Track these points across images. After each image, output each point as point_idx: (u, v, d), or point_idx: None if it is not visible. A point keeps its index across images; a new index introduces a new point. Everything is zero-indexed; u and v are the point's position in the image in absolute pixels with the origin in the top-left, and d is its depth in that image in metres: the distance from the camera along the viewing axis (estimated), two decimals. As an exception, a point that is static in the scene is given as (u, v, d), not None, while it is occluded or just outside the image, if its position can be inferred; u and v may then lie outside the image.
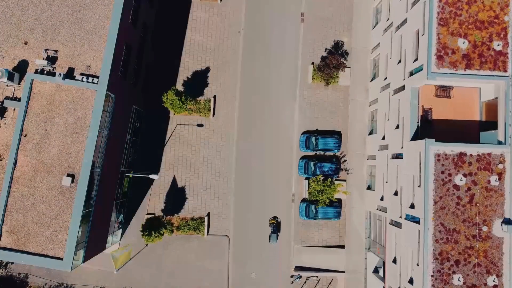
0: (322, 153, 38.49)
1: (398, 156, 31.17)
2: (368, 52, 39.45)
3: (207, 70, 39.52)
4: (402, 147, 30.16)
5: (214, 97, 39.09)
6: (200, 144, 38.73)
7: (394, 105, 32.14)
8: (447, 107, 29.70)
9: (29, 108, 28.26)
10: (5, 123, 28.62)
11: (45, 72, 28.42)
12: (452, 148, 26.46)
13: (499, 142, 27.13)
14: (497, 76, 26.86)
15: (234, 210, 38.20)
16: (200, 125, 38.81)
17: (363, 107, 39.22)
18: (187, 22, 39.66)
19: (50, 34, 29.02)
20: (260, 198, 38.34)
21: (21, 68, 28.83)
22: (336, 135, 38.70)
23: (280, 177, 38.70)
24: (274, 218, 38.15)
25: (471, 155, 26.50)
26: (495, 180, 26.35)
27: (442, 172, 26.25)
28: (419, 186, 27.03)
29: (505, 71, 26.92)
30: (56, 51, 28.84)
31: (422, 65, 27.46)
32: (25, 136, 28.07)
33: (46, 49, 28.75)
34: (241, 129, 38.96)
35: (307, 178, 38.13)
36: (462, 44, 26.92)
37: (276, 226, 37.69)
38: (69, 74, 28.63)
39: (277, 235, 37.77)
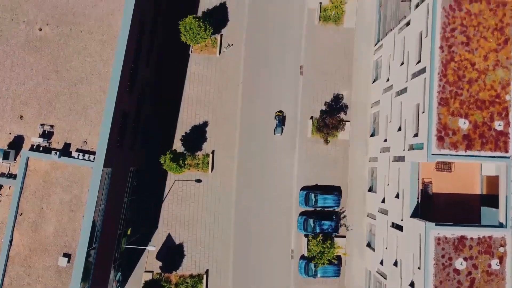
0: (321, 209, 38.19)
1: (398, 226, 30.85)
2: (368, 106, 39.12)
3: (206, 124, 39.20)
4: (402, 219, 29.84)
5: (213, 152, 38.79)
6: (198, 200, 38.42)
7: (394, 172, 31.81)
8: (448, 180, 29.39)
9: (25, 186, 27.96)
10: (0, 200, 28.35)
11: (40, 148, 28.12)
12: (452, 231, 26.15)
13: (500, 224, 26.82)
14: (498, 157, 26.54)
15: (233, 266, 37.91)
16: (199, 181, 38.49)
17: (363, 162, 38.89)
18: (185, 75, 39.36)
19: (46, 108, 28.70)
20: (260, 254, 38.03)
21: (16, 143, 28.49)
22: (336, 191, 38.36)
23: (279, 233, 38.39)
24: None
25: (471, 238, 26.19)
26: (496, 264, 26.04)
27: (443, 256, 25.95)
28: (419, 268, 26.73)
29: (506, 151, 26.59)
30: (52, 126, 28.53)
31: (423, 143, 27.12)
32: (21, 215, 27.78)
33: (42, 124, 28.42)
34: (240, 184, 38.64)
35: (306, 235, 37.82)
36: (463, 124, 26.59)
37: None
38: (65, 149, 28.33)
39: (276, 294, 37.60)
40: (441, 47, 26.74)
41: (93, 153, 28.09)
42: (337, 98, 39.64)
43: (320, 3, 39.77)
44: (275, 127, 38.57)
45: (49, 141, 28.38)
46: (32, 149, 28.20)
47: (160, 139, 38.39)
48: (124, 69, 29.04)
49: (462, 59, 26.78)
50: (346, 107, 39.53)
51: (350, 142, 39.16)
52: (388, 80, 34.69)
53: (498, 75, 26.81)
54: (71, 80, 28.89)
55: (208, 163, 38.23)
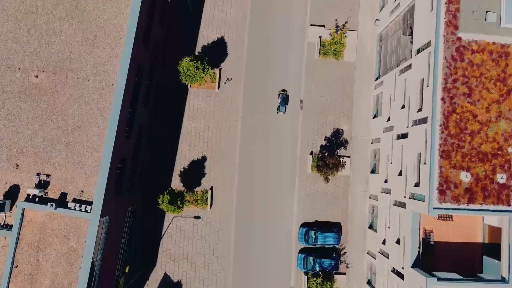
0: (322, 246, 37.81)
1: (398, 272, 30.47)
2: (368, 142, 38.73)
3: (204, 159, 38.82)
4: (403, 267, 29.46)
5: (212, 188, 38.40)
6: (197, 237, 38.05)
7: (395, 216, 31.44)
8: (449, 229, 29.02)
9: (21, 238, 27.57)
10: (-4, 252, 28.01)
11: (36, 199, 27.73)
12: (454, 287, 25.77)
13: (502, 279, 26.44)
14: (501, 211, 26.15)
15: (231, 306, 37.60)
16: (197, 217, 38.11)
17: (364, 198, 38.51)
18: (184, 111, 38.97)
19: (42, 157, 28.30)
20: (259, 292, 37.73)
21: (12, 193, 28.11)
22: (336, 228, 37.95)
23: (279, 270, 38.01)
24: (273, 314, 37.59)
25: (474, 294, 25.86)
26: (498, 320, 25.70)
27: (444, 312, 25.61)
28: (420, 321, 26.40)
29: (509, 205, 26.20)
30: (48, 175, 28.14)
31: (424, 195, 26.74)
32: (16, 267, 27.40)
33: (38, 173, 28.06)
34: (239, 221, 38.26)
35: (306, 273, 37.44)
36: (465, 177, 26.20)
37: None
38: (62, 199, 27.94)
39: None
40: (442, 99, 26.36)
41: (90, 203, 27.70)
42: (337, 133, 39.25)
43: (320, 37, 39.40)
44: (278, 106, 38.55)
45: (45, 191, 27.99)
46: (28, 199, 27.81)
47: (158, 176, 38.01)
48: (121, 117, 28.68)
49: (464, 110, 26.40)
50: (346, 142, 39.14)
51: (350, 178, 38.77)
52: (388, 119, 34.31)
53: (500, 127, 26.43)
54: (67, 128, 28.50)
55: (207, 199, 37.85)
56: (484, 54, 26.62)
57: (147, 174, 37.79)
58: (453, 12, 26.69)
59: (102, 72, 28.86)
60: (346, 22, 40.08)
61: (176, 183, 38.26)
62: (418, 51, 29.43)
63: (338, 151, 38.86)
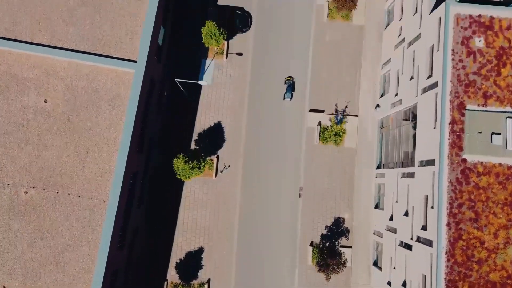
0: None
1: None
2: (370, 232, 37.59)
3: (201, 250, 37.57)
4: None
5: (209, 281, 37.09)
6: (193, 333, 36.66)
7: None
8: None
9: None
10: None
11: (24, 325, 26.55)
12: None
13: None
14: None
15: None
16: (194, 313, 36.78)
17: (366, 291, 37.27)
18: (180, 201, 37.89)
19: (31, 279, 27.11)
20: None
21: (-1, 317, 26.99)
22: (337, 324, 36.63)
23: None
24: None
25: None
26: None
27: None
28: None
29: (519, 337, 24.97)
30: (37, 298, 27.01)
31: (430, 324, 25.54)
32: None
33: (26, 296, 26.93)
34: (237, 316, 36.93)
35: None
36: (473, 310, 25.02)
37: None
38: (51, 324, 26.75)
39: None
40: (448, 224, 25.30)
41: (80, 328, 26.50)
42: (338, 222, 38.12)
43: (319, 122, 38.53)
44: (285, 92, 38.52)
45: (33, 316, 26.80)
46: (15, 325, 26.63)
47: (154, 270, 36.74)
48: (114, 232, 27.65)
49: (471, 237, 25.32)
50: (348, 231, 37.95)
51: (352, 269, 37.53)
52: (391, 219, 33.24)
53: (509, 254, 25.33)
54: (57, 247, 27.39)
55: (204, 293, 36.57)
56: (491, 177, 25.65)
57: (142, 273, 36.47)
58: (457, 133, 25.82)
59: (94, 187, 27.87)
60: (346, 106, 39.28)
61: (172, 276, 36.92)
62: (421, 163, 28.50)
63: (339, 240, 37.71)
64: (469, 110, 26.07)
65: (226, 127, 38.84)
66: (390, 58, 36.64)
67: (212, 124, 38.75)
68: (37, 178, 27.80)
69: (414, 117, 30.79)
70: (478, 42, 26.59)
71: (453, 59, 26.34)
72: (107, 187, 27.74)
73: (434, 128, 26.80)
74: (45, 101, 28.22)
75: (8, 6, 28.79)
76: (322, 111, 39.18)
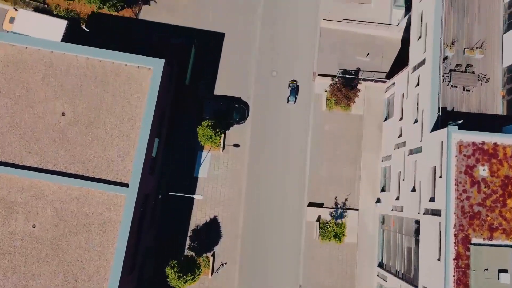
0: None
1: None
2: (373, 335, 36.24)
3: None
4: None
5: None
6: None
7: None
8: None
9: None
10: None
11: None
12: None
13: None
14: None
15: None
16: None
17: None
18: (175, 301, 36.56)
19: None
20: None
21: None
22: None
23: None
24: None
25: None
26: None
27: None
28: None
29: None
30: None
31: None
32: None
33: None
34: None
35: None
36: None
37: None
38: None
39: None
40: None
41: None
42: (339, 322, 36.76)
43: (319, 217, 37.44)
44: (289, 96, 38.65)
45: None
46: None
47: None
48: None
49: None
50: (349, 332, 36.60)
51: None
52: (394, 330, 31.91)
53: None
54: None
55: None
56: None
57: None
58: (463, 269, 24.70)
59: (84, 319, 26.65)
60: (346, 199, 38.22)
61: None
62: (425, 289, 27.32)
63: None
64: (474, 244, 25.01)
65: (223, 221, 37.71)
66: (391, 155, 35.76)
67: (208, 219, 37.61)
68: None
69: (417, 231, 29.71)
70: (482, 171, 25.68)
71: (456, 190, 25.39)
72: (98, 319, 26.54)
73: (438, 259, 25.69)
74: (34, 226, 27.18)
75: (-3, 124, 28.04)
76: (321, 204, 38.16)
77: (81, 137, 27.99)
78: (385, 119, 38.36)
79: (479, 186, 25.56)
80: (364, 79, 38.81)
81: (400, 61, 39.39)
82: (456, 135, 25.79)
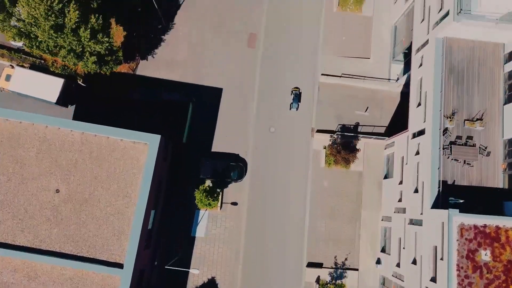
0: None
1: None
2: None
3: None
4: None
5: None
6: None
7: None
8: None
9: None
10: None
11: None
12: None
13: None
14: None
15: None
16: None
17: None
18: None
19: None
20: None
21: None
22: None
23: None
24: None
25: None
26: None
27: None
28: None
29: None
30: None
31: None
32: None
33: None
34: None
35: None
36: None
37: None
38: None
39: None
40: None
41: None
42: None
43: (318, 277, 36.77)
44: (291, 103, 38.74)
45: None
46: None
47: None
48: None
49: None
50: None
51: None
52: None
53: None
54: None
55: None
56: None
57: None
58: None
59: None
60: (346, 259, 37.59)
61: None
62: None
63: None
64: (477, 334, 24.42)
65: (220, 283, 37.07)
66: (391, 217, 35.24)
67: (205, 280, 36.97)
68: None
69: (418, 306, 29.12)
70: (484, 256, 25.14)
71: (458, 275, 24.83)
72: None
73: None
74: (26, 308, 26.61)
75: (-10, 200, 27.53)
76: (321, 264, 37.54)
77: (76, 215, 27.49)
78: (385, 177, 37.88)
79: (481, 271, 25.01)
80: (364, 136, 38.42)
81: (400, 114, 38.96)
82: (457, 218, 25.31)
